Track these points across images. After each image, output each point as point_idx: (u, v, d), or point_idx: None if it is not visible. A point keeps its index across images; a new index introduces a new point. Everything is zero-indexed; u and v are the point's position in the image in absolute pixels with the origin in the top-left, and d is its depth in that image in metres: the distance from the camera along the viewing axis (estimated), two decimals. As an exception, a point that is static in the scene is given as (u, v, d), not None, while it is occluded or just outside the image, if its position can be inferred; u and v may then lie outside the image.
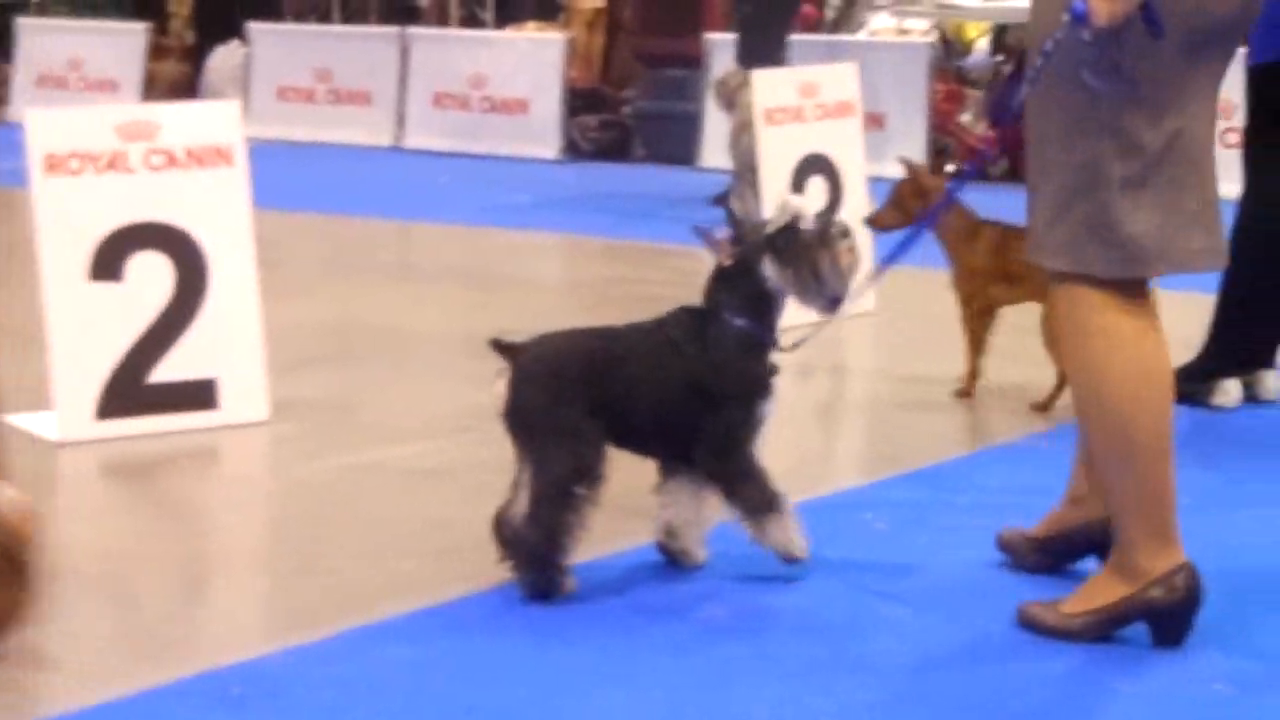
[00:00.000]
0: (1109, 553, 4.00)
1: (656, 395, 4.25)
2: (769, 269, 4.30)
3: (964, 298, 6.14)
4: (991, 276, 6.05)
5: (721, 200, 10.82)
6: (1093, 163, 3.79)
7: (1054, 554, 4.34)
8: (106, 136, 5.55)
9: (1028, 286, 5.85)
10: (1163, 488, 3.87)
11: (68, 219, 5.52)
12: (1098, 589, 3.98)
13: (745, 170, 9.65)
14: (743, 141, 9.61)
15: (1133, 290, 3.86)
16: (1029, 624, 4.03)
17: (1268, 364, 6.26)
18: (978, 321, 6.11)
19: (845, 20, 14.41)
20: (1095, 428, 3.92)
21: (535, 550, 4.13)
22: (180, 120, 5.65)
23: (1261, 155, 6.16)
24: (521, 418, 4.18)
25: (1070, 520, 4.29)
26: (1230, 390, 6.15)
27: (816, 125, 7.44)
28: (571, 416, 4.15)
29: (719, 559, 4.43)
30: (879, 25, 13.59)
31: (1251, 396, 6.20)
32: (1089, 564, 4.22)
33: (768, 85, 7.33)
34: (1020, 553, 4.40)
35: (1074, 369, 3.97)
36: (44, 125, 5.56)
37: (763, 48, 10.51)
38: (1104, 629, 3.95)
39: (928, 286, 7.41)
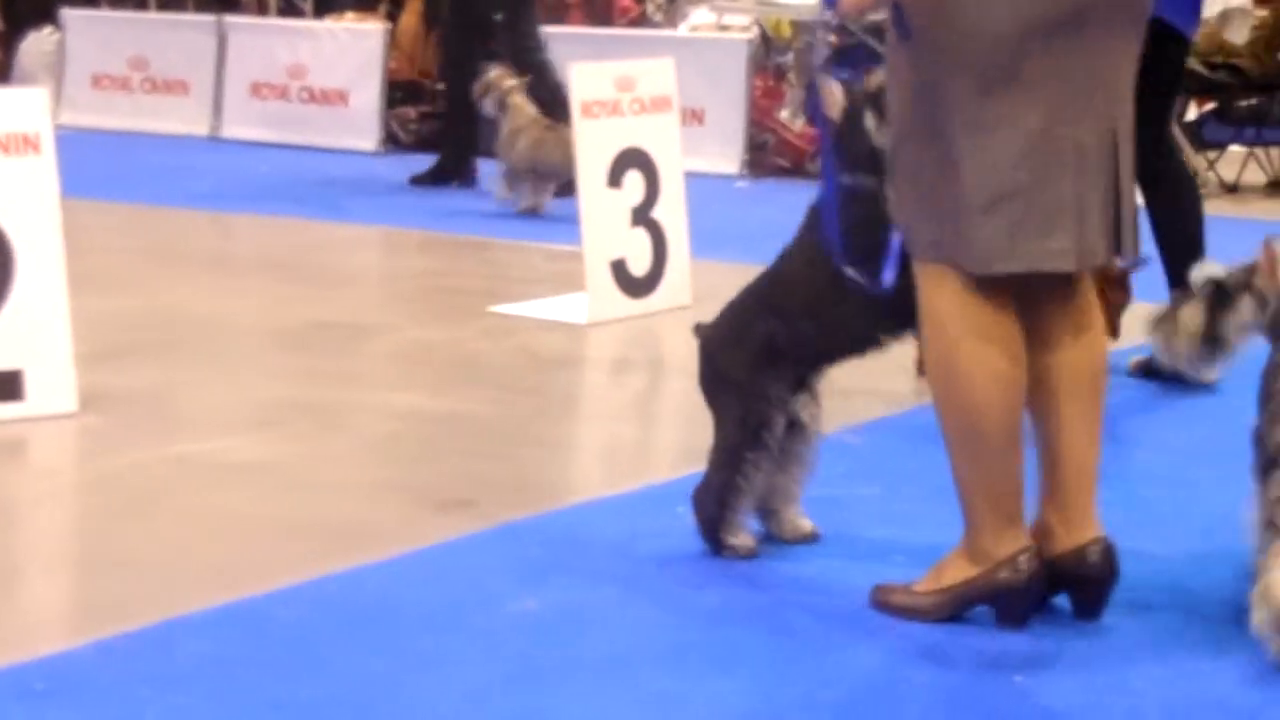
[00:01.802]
0: (1081, 586, 4.06)
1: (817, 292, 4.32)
2: (871, 123, 4.24)
3: None
4: None
5: (420, 180, 10.93)
6: (947, 161, 3.84)
7: None
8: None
9: None
10: (1009, 476, 3.95)
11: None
12: (947, 569, 4.05)
13: (524, 172, 9.74)
14: (519, 145, 9.77)
15: (992, 287, 3.90)
16: (881, 604, 4.08)
17: None
18: None
19: (667, 14, 14.44)
20: (944, 413, 3.99)
21: (704, 516, 4.37)
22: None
23: None
24: (703, 392, 4.50)
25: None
26: None
27: (634, 119, 7.45)
28: (740, 378, 4.35)
29: (542, 553, 4.44)
30: (699, 20, 13.63)
31: None
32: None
33: (585, 78, 7.33)
34: None
35: (929, 358, 4.03)
36: None
37: (525, 46, 10.68)
38: (953, 608, 4.02)
39: (744, 280, 7.44)
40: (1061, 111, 3.84)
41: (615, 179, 7.35)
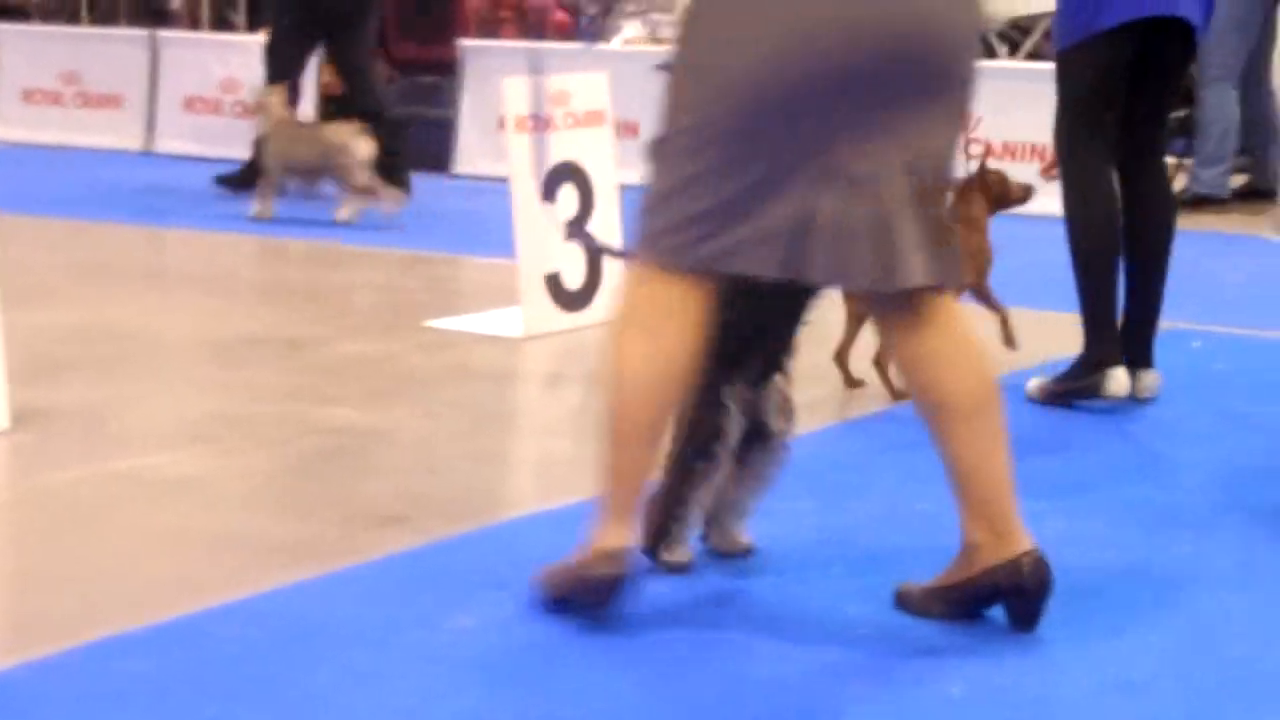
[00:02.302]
0: (1016, 598, 4.09)
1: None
2: None
3: None
4: None
5: (226, 181, 11.01)
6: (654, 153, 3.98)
7: (958, 603, 4.19)
8: None
9: None
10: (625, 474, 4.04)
11: None
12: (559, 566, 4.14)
13: (283, 175, 10.35)
14: (270, 148, 10.24)
15: (672, 280, 3.94)
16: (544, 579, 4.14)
17: (1141, 361, 6.37)
18: None
19: (598, 29, 14.44)
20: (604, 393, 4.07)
21: (647, 527, 4.31)
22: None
23: (1079, 144, 6.28)
24: None
25: (971, 568, 4.16)
26: (1121, 379, 6.22)
27: (567, 133, 7.46)
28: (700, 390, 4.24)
29: (476, 569, 4.45)
30: (631, 34, 13.64)
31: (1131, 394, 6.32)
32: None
33: (518, 92, 7.33)
34: (922, 606, 4.23)
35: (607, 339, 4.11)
36: None
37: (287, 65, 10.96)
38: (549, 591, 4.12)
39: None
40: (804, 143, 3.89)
41: (549, 193, 7.36)
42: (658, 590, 4.26)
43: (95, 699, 3.62)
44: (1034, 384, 6.37)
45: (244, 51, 13.64)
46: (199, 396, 6.23)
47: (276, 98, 10.36)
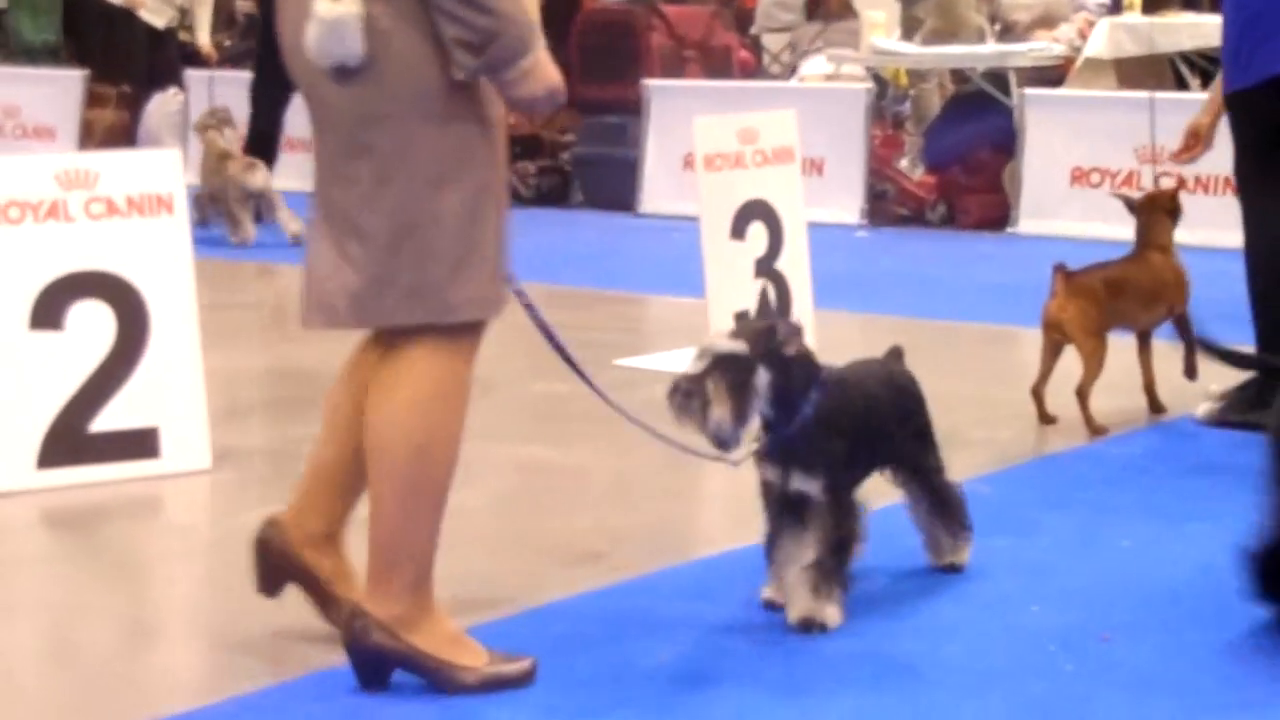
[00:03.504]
0: None
1: None
2: None
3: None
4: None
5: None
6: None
7: None
8: (46, 185, 5.54)
9: None
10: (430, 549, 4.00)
11: (7, 268, 5.50)
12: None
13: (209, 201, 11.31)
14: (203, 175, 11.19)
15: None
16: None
17: None
18: None
19: (783, 66, 14.43)
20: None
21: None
22: (120, 168, 5.64)
23: (1255, 181, 6.22)
24: None
25: None
26: None
27: (756, 171, 7.46)
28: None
29: (673, 606, 4.43)
30: (810, 71, 13.63)
31: None
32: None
33: (707, 131, 7.35)
34: None
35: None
36: (-18, 174, 5.55)
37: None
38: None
39: (867, 329, 7.42)
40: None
41: (738, 231, 7.36)
42: (855, 625, 4.24)
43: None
44: (1204, 409, 6.33)
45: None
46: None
47: (215, 131, 11.31)
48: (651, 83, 12.85)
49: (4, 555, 5.16)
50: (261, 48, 11.31)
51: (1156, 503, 5.45)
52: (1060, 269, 6.30)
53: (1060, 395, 6.29)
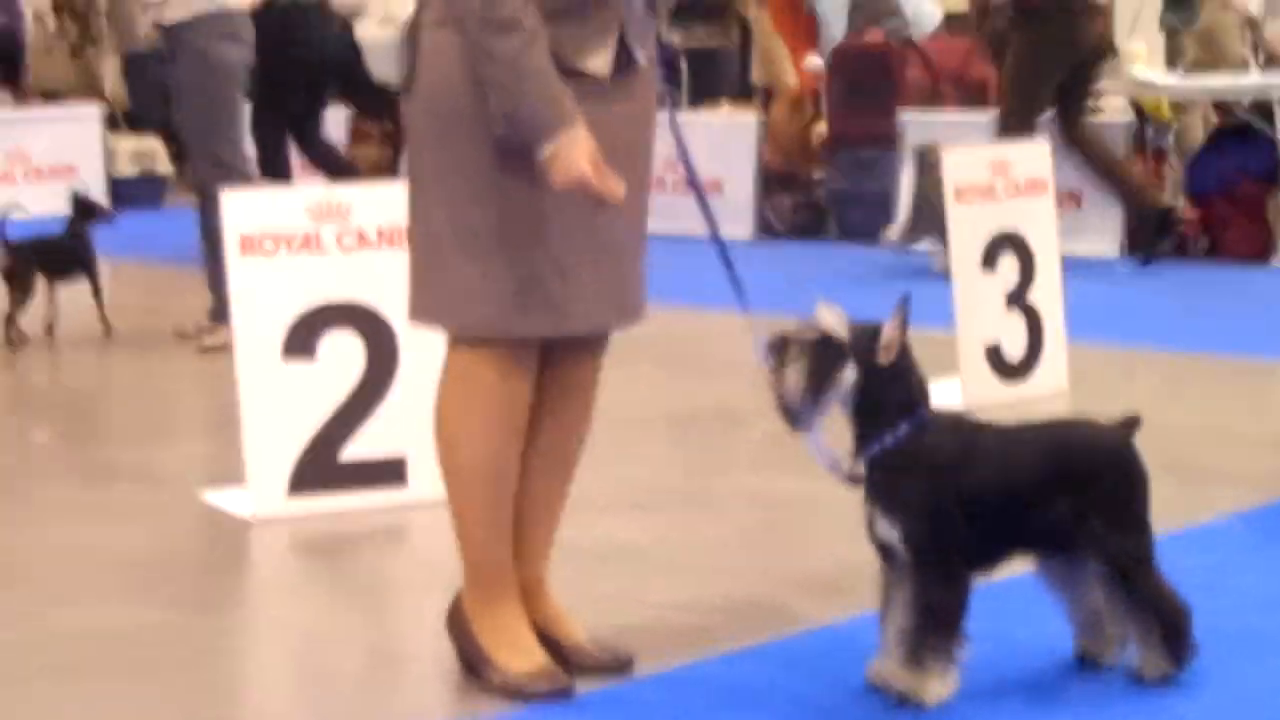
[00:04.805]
0: None
1: None
2: None
3: None
4: None
5: None
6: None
7: None
8: (299, 218, 5.64)
9: None
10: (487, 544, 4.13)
11: (263, 298, 5.61)
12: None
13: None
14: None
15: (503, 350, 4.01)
16: None
17: None
18: None
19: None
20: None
21: None
22: (371, 201, 5.72)
23: None
24: None
25: None
26: None
27: (1008, 202, 7.38)
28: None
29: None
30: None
31: None
32: None
33: (958, 162, 7.28)
34: None
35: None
36: (239, 207, 5.66)
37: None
38: None
39: (1125, 363, 7.28)
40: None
41: (989, 262, 7.28)
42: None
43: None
44: None
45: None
46: (640, 468, 6.29)
47: None
48: (907, 115, 12.77)
49: (257, 580, 5.28)
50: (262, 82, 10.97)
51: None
52: None
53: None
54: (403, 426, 5.63)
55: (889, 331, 3.91)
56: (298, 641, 4.66)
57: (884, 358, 3.91)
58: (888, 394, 3.93)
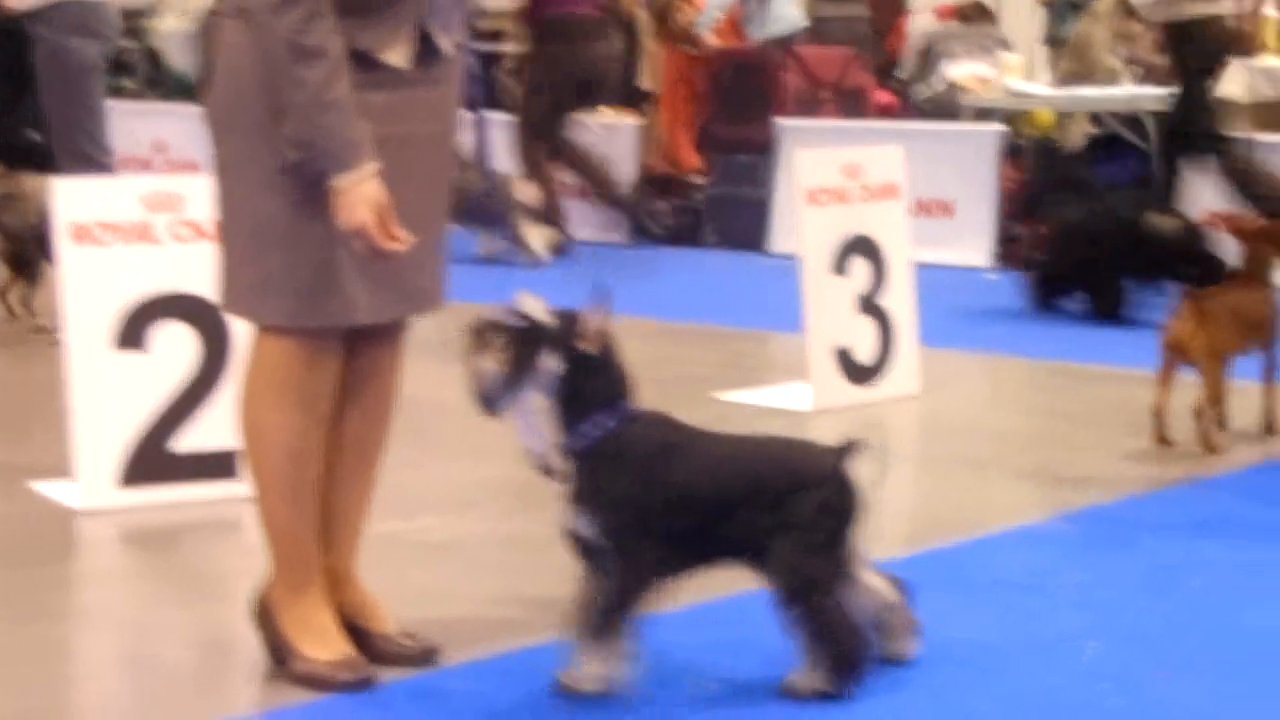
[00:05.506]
0: None
1: None
2: None
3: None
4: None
5: None
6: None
7: None
8: (133, 207, 5.61)
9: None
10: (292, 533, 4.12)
11: (93, 288, 5.57)
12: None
13: None
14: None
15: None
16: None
17: None
18: None
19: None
20: None
21: None
22: (206, 191, 5.69)
23: None
24: None
25: None
26: None
27: (860, 206, 7.41)
28: None
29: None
30: (959, 73, 13.62)
31: None
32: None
33: (810, 165, 7.31)
34: None
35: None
36: (71, 195, 5.62)
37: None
38: None
39: (980, 369, 7.33)
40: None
41: (840, 266, 7.31)
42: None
43: None
44: None
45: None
46: (469, 465, 6.28)
47: None
48: (783, 122, 12.81)
49: (85, 569, 5.24)
50: None
51: (1241, 543, 5.36)
52: (1189, 291, 6.47)
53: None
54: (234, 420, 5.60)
55: (590, 319, 3.89)
56: (125, 630, 4.63)
57: (586, 346, 3.89)
58: (590, 385, 3.91)
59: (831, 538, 3.94)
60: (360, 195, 3.78)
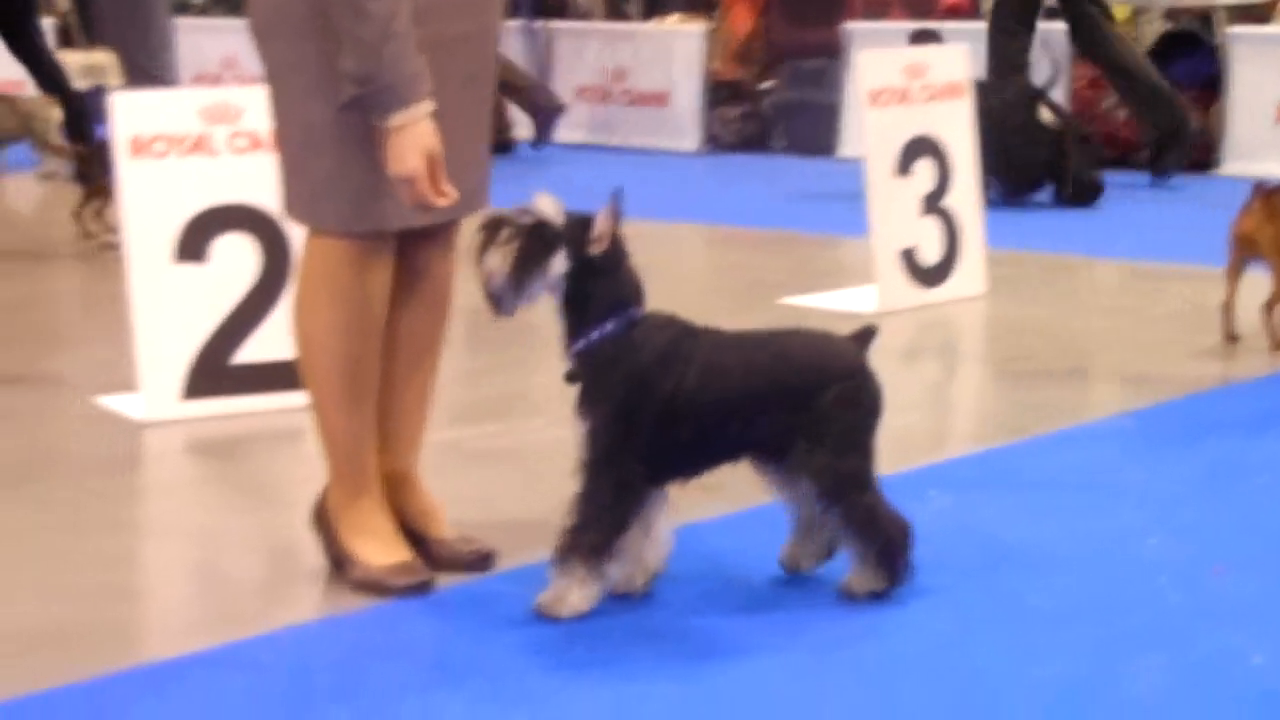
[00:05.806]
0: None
1: None
2: None
3: None
4: None
5: None
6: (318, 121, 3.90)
7: None
8: (191, 119, 5.62)
9: None
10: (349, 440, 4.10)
11: (153, 202, 5.59)
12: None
13: None
14: None
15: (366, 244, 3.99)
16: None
17: None
18: None
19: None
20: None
21: None
22: (261, 103, 5.69)
23: None
24: None
25: None
26: None
27: (924, 106, 7.36)
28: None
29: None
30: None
31: None
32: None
33: (873, 66, 7.26)
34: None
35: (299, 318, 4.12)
36: (129, 109, 5.63)
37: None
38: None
39: (1042, 270, 7.30)
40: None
41: (904, 167, 7.27)
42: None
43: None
44: None
45: (631, 40, 13.80)
46: (531, 375, 6.29)
47: None
48: (851, 25, 12.72)
49: (149, 481, 5.27)
50: None
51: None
52: (1260, 186, 6.37)
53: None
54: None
55: (601, 222, 3.83)
56: (191, 540, 4.66)
57: (595, 248, 3.84)
58: (599, 288, 3.85)
59: (858, 433, 3.90)
60: (413, 138, 3.75)
